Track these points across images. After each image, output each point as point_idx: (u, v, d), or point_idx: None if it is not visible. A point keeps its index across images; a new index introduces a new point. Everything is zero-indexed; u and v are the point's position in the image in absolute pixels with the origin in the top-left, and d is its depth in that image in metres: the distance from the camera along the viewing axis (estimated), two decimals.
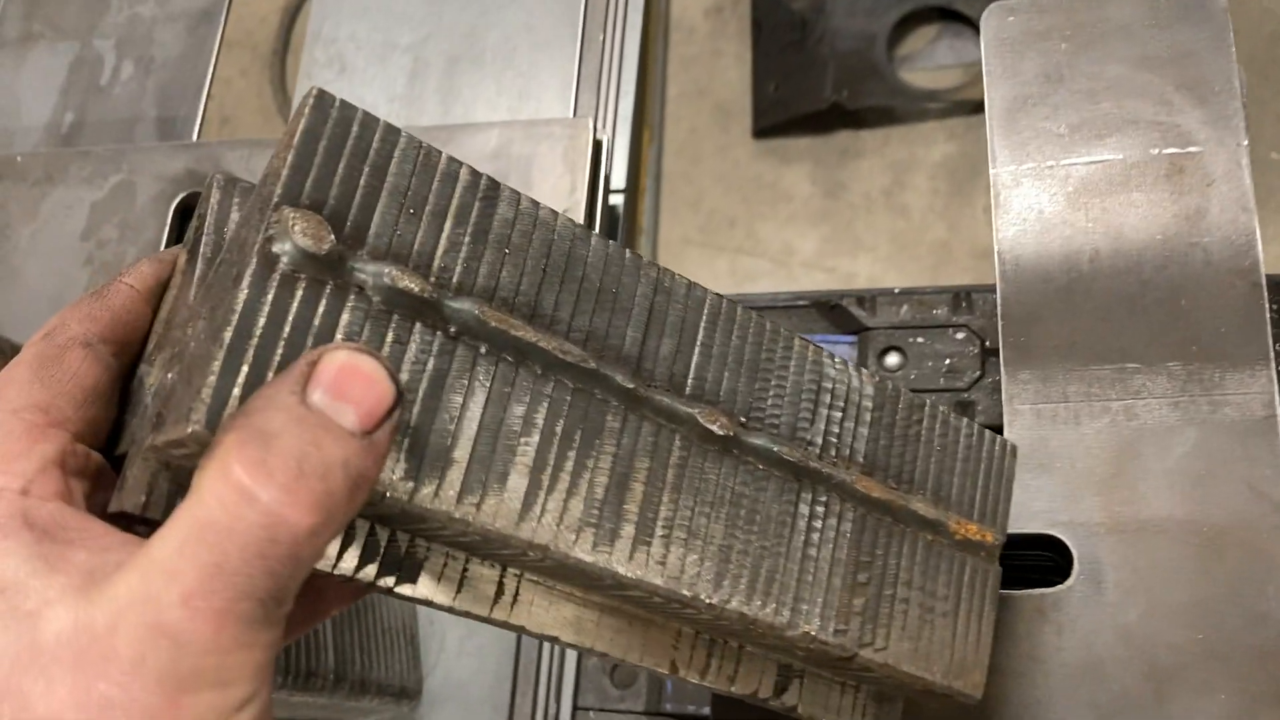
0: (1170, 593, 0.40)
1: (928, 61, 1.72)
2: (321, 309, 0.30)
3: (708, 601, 0.32)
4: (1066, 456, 0.43)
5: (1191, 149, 0.44)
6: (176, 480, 0.31)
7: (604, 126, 0.62)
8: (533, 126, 0.58)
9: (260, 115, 1.94)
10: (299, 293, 0.29)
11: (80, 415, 0.33)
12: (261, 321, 0.29)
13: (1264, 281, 0.42)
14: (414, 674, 0.54)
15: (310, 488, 0.27)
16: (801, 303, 0.60)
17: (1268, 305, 0.42)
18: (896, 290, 0.59)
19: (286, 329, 0.29)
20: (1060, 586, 0.41)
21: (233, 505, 0.26)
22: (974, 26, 1.71)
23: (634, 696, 0.55)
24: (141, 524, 0.31)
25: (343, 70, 0.69)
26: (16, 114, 0.74)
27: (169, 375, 0.32)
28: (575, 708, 0.54)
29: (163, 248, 0.61)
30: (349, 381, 0.28)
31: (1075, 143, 0.46)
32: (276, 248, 0.29)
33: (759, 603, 0.33)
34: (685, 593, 0.32)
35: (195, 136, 0.70)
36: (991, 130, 0.48)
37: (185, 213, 0.62)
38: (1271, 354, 0.42)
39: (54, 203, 0.64)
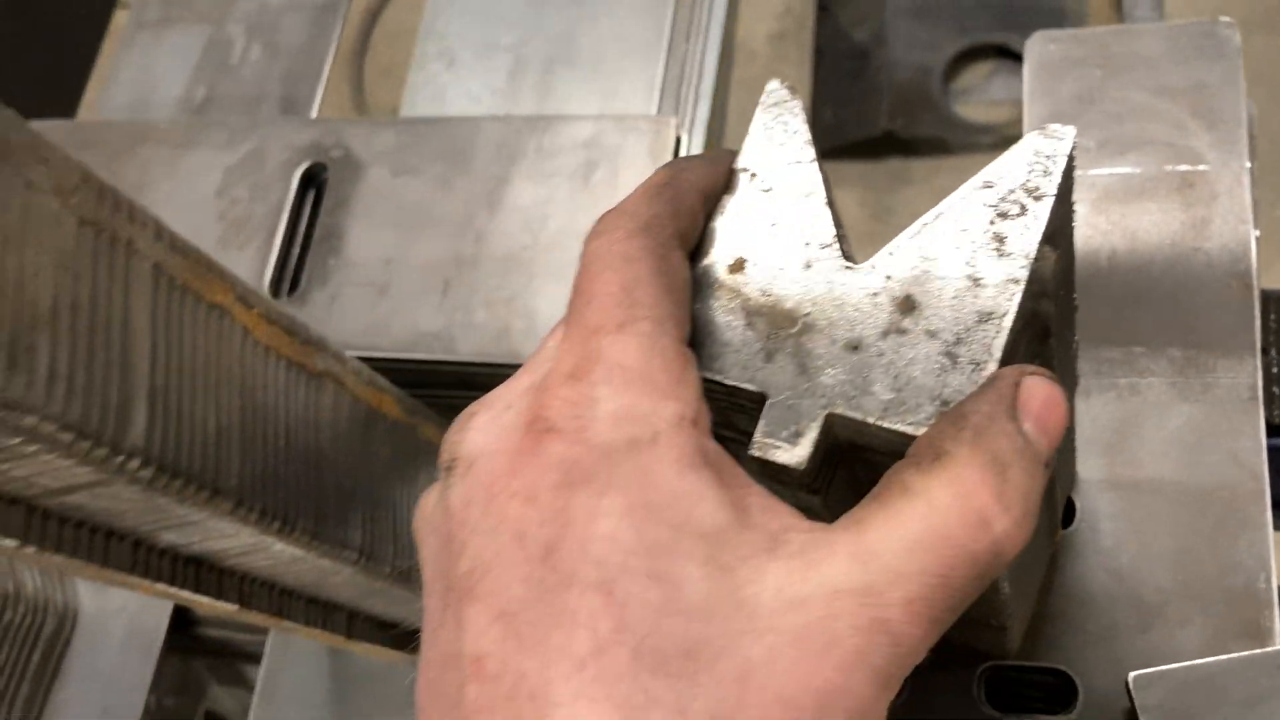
0: (1158, 541, 0.47)
1: (981, 96, 1.79)
2: None
3: None
4: (1076, 424, 0.50)
5: (1200, 167, 0.51)
6: (830, 444, 0.32)
7: (683, 127, 0.70)
8: (622, 120, 0.65)
9: (337, 111, 2.02)
10: None
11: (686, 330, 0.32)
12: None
13: (1255, 284, 0.49)
14: None
15: (1030, 524, 0.28)
16: None
17: (1257, 304, 0.48)
18: None
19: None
20: (1065, 531, 0.48)
21: (971, 528, 0.27)
22: None
23: None
24: (773, 478, 0.32)
25: (451, 63, 0.77)
26: (153, 87, 0.83)
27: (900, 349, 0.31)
28: None
29: (287, 209, 0.69)
30: (1049, 415, 0.29)
31: (1101, 156, 0.53)
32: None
33: None
34: None
35: (314, 115, 0.78)
36: None
37: (307, 179, 0.70)
38: (1258, 346, 0.48)
39: (191, 164, 0.72)
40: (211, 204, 0.70)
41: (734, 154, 0.36)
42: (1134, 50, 0.55)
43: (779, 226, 0.34)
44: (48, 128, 0.77)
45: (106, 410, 0.35)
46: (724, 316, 0.33)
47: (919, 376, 0.31)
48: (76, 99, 1.19)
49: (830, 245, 0.34)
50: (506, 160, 0.66)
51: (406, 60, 0.80)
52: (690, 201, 0.34)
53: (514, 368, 0.61)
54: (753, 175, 0.35)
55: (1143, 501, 0.48)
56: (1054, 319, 0.33)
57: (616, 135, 0.65)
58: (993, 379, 0.29)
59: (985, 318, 0.31)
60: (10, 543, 0.36)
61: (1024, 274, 0.31)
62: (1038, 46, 0.56)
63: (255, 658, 0.72)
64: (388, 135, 0.69)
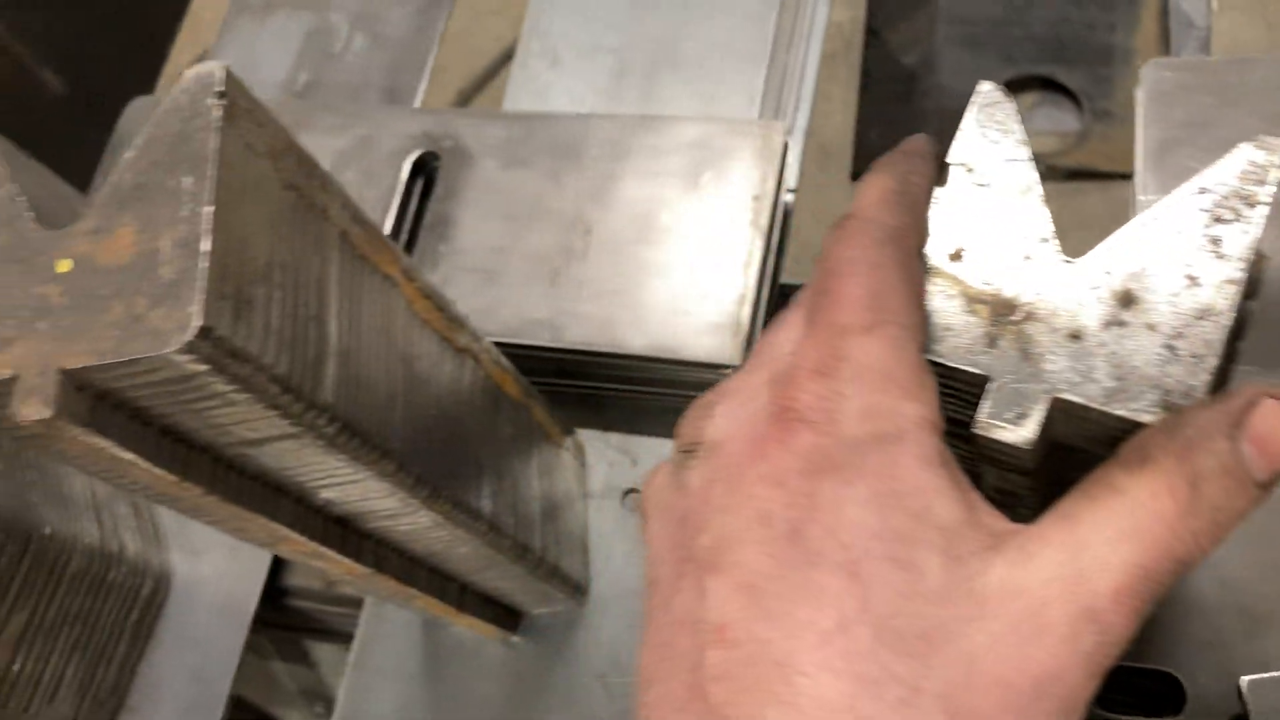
0: (1267, 552, 0.48)
1: (1026, 126, 1.80)
2: None
3: None
4: None
5: None
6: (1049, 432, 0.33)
7: (787, 133, 0.71)
8: (732, 124, 0.67)
9: None
10: None
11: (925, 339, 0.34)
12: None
13: None
14: (585, 574, 0.63)
15: (1218, 534, 0.29)
16: None
17: None
18: None
19: None
20: None
21: (1164, 526, 0.28)
22: (1073, 98, 1.80)
23: None
24: (990, 459, 0.34)
25: (555, 63, 0.79)
26: (255, 70, 0.85)
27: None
28: None
29: (398, 194, 0.70)
30: (1275, 440, 0.29)
31: None
32: None
33: None
34: None
35: (417, 105, 0.80)
36: (1142, 164, 0.57)
37: (417, 167, 0.71)
38: None
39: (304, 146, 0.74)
40: None
41: (933, 148, 0.38)
42: (1246, 80, 0.57)
43: (996, 220, 0.36)
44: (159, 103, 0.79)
45: (305, 366, 0.37)
46: (944, 303, 0.35)
47: (1140, 366, 0.33)
48: (155, 76, 1.20)
49: (1049, 240, 0.35)
50: (616, 157, 0.68)
51: (454, 62, 0.82)
52: (925, 210, 0.36)
53: (618, 358, 0.63)
54: (969, 169, 0.37)
55: (1255, 513, 0.49)
56: (1247, 321, 0.35)
57: (725, 138, 0.67)
58: (1230, 395, 0.30)
59: (1204, 314, 0.32)
60: (197, 489, 0.38)
61: (1241, 275, 0.33)
62: (1153, 73, 0.58)
63: (339, 634, 0.74)
64: (497, 128, 0.71)
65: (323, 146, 0.73)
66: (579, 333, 0.64)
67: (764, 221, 0.64)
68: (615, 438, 0.67)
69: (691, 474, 0.32)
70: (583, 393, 0.67)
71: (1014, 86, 1.83)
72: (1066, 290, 0.34)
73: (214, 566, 0.70)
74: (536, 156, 0.69)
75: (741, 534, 0.29)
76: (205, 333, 0.33)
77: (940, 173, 0.36)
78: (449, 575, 0.55)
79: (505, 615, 0.62)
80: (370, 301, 0.42)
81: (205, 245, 0.33)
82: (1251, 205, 0.34)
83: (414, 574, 0.51)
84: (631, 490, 0.66)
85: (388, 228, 0.70)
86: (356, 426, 0.40)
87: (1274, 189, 0.33)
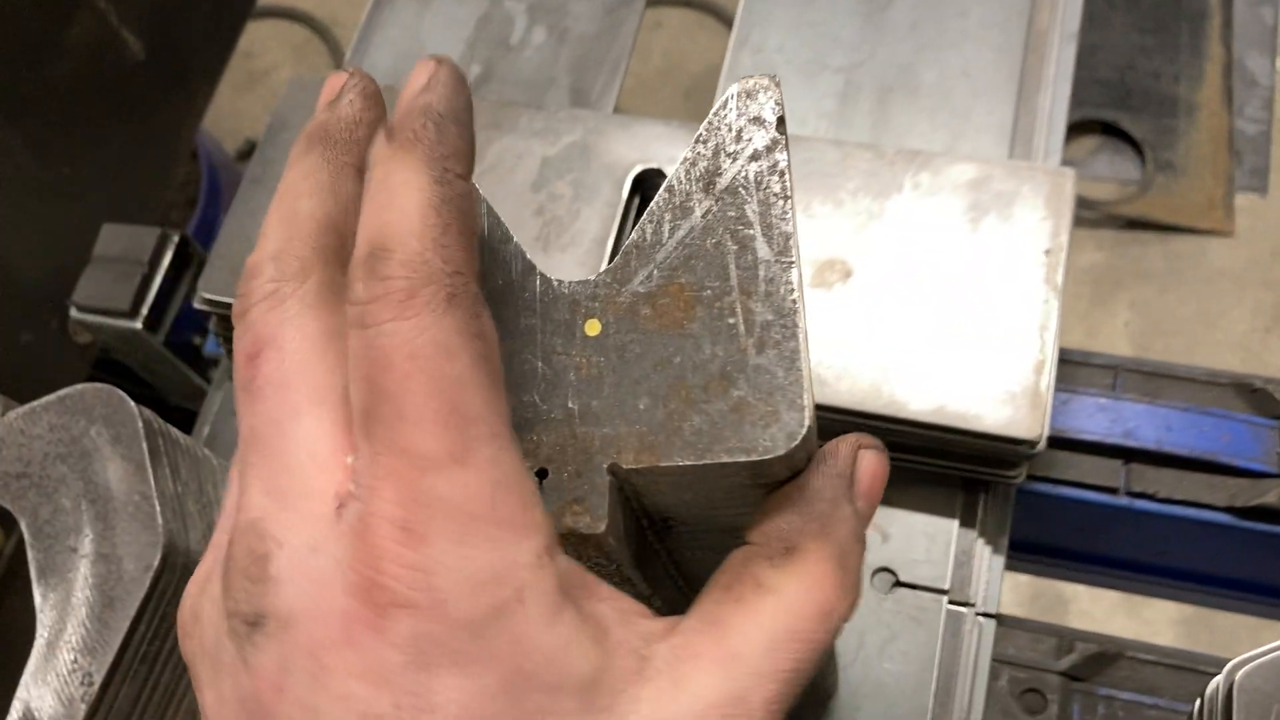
0: None
1: (1086, 171, 1.77)
2: None
3: None
4: None
5: None
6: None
7: None
8: (1015, 166, 0.60)
9: None
10: None
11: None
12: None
13: None
14: (834, 676, 0.55)
15: (860, 594, 0.29)
16: (1221, 380, 0.63)
17: None
18: None
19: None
20: None
21: (818, 621, 0.27)
22: (1134, 145, 1.77)
23: None
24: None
25: None
26: (418, 56, 0.76)
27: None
28: None
29: (619, 215, 0.63)
30: (877, 486, 0.30)
31: None
32: None
33: None
34: None
35: (610, 111, 0.72)
36: None
37: (637, 183, 0.64)
38: None
39: (503, 149, 0.65)
40: (528, 196, 0.64)
41: (464, 83, 0.30)
42: None
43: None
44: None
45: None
46: None
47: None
48: (230, 48, 1.11)
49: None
50: (879, 193, 0.61)
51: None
52: (472, 217, 0.27)
53: (894, 421, 0.56)
54: None
55: None
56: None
57: (1009, 181, 0.60)
58: (832, 451, 0.29)
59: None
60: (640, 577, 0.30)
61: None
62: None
63: None
64: None
65: (529, 151, 0.65)
66: (848, 390, 0.56)
67: (1059, 279, 0.58)
68: None
69: (261, 655, 0.25)
70: None
71: (1077, 130, 1.79)
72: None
73: None
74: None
75: None
76: (807, 433, 0.25)
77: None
78: None
79: None
80: None
81: (802, 323, 0.26)
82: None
83: None
84: (884, 569, 0.59)
85: (607, 250, 0.62)
86: None
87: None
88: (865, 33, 0.71)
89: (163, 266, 0.75)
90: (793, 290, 0.27)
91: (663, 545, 0.31)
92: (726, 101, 0.29)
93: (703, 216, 0.28)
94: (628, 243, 0.28)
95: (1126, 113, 1.77)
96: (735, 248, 0.27)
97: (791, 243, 0.28)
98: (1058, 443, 0.62)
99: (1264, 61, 1.80)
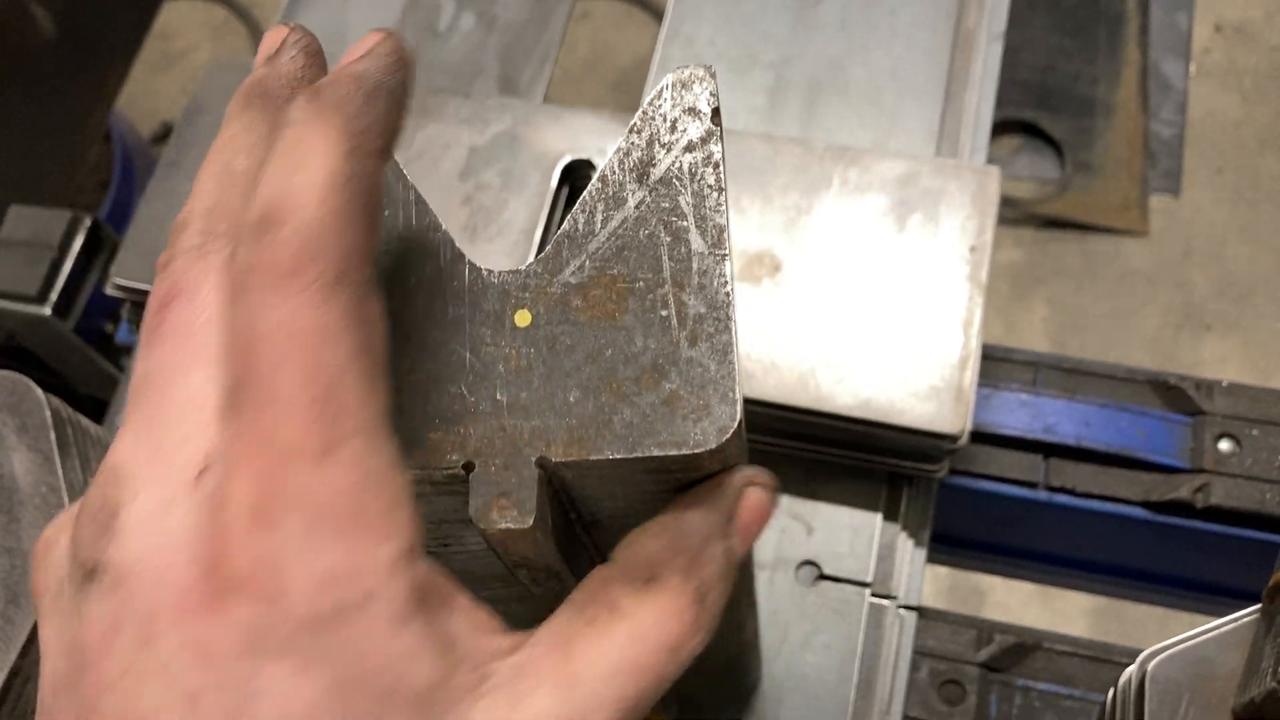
0: None
1: (1007, 170, 1.80)
2: None
3: None
4: None
5: None
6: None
7: None
8: (942, 164, 0.61)
9: None
10: None
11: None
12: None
13: None
14: (758, 668, 0.56)
15: (714, 626, 0.28)
16: (1138, 377, 0.64)
17: None
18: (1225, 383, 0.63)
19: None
20: None
21: (668, 653, 0.27)
22: (1054, 145, 1.81)
23: (962, 714, 0.57)
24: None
25: None
26: (343, 41, 0.74)
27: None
28: (905, 717, 0.56)
29: (546, 205, 0.62)
30: (757, 526, 0.29)
31: None
32: None
33: None
34: None
35: (539, 101, 0.71)
36: None
37: (566, 174, 0.63)
38: None
39: (430, 137, 0.64)
40: (455, 185, 0.63)
41: (407, 57, 0.29)
42: None
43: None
44: (243, 71, 0.69)
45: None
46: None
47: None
48: (146, 27, 1.08)
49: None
50: (808, 188, 0.61)
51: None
52: (378, 195, 0.26)
53: (819, 415, 0.56)
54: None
55: None
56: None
57: (935, 179, 0.60)
58: (720, 484, 0.28)
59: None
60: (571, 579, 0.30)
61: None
62: None
63: None
64: None
65: (457, 140, 0.64)
66: (775, 384, 0.57)
67: (983, 276, 0.59)
68: (788, 501, 0.60)
69: (94, 606, 0.25)
70: (754, 449, 0.60)
71: (998, 129, 1.82)
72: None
73: None
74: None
75: (159, 714, 0.23)
76: (738, 427, 0.25)
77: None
78: None
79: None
80: None
81: (734, 316, 0.26)
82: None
83: None
84: (808, 562, 0.59)
85: (535, 240, 0.61)
86: None
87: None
88: (796, 29, 0.71)
89: (73, 251, 0.73)
90: (726, 283, 0.27)
91: (590, 540, 0.31)
92: (661, 91, 0.29)
93: (636, 207, 0.28)
94: (559, 233, 0.28)
95: (1046, 113, 1.81)
96: (668, 239, 0.27)
97: (725, 235, 0.27)
98: (979, 437, 0.63)
99: (1178, 66, 1.85)
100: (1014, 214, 1.76)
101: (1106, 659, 0.59)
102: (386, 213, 0.29)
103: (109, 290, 0.63)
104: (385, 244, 0.28)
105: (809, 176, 0.61)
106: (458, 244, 0.29)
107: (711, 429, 0.25)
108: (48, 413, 0.47)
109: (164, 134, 1.91)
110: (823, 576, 0.59)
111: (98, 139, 1.14)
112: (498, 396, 0.26)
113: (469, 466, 0.26)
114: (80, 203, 1.31)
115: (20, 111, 0.93)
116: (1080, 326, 1.69)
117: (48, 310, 0.71)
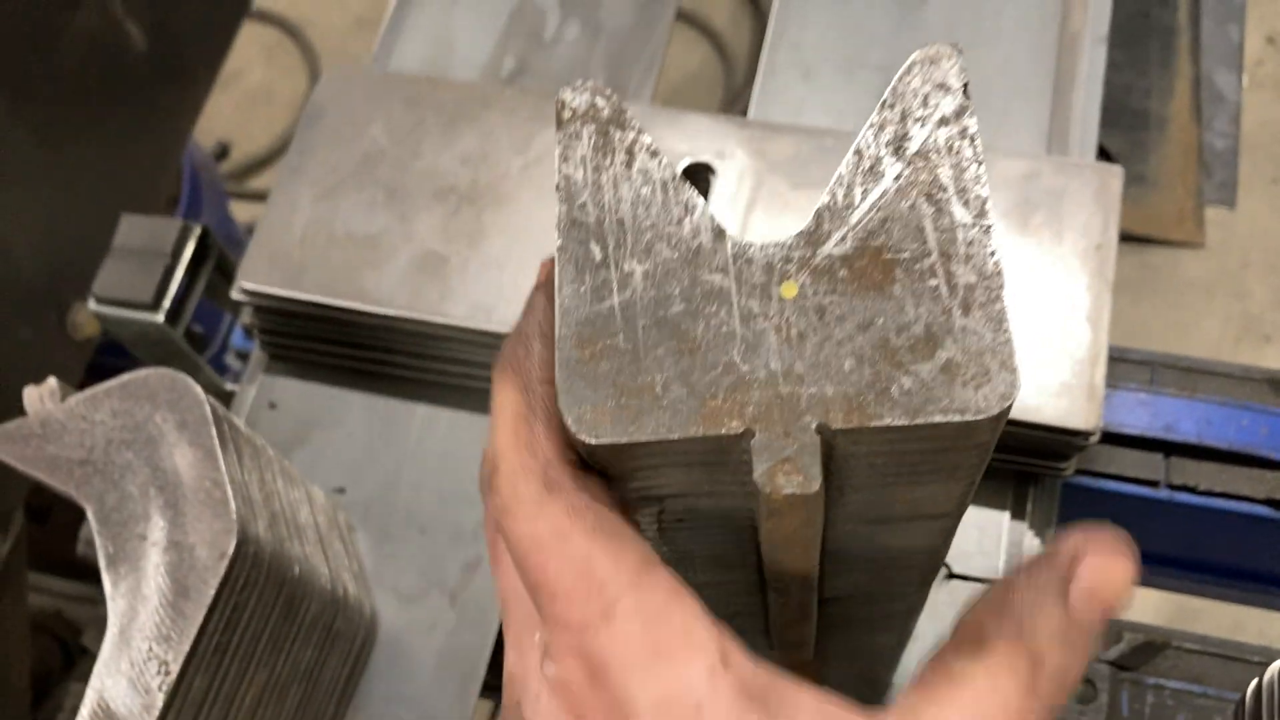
0: None
1: None
2: None
3: None
4: None
5: None
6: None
7: None
8: (1064, 163, 0.61)
9: None
10: None
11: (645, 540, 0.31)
12: None
13: None
14: None
15: (1064, 693, 0.28)
16: (1255, 375, 0.64)
17: None
18: None
19: None
20: None
21: (1014, 712, 0.27)
22: (1108, 158, 1.80)
23: (1094, 712, 0.57)
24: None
25: (806, 75, 0.71)
26: (451, 50, 0.76)
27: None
28: None
29: None
30: (1106, 591, 0.28)
31: None
32: None
33: None
34: None
35: (647, 105, 0.72)
36: None
37: (686, 177, 0.63)
38: None
39: (546, 142, 0.65)
40: None
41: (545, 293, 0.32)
42: None
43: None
44: (369, 75, 0.70)
45: None
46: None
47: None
48: (230, 40, 1.09)
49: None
50: None
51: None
52: (547, 393, 0.30)
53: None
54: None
55: None
56: None
57: (1058, 178, 0.61)
58: (1053, 550, 0.29)
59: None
60: None
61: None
62: None
63: None
64: (784, 143, 0.63)
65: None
66: None
67: (1109, 274, 0.59)
68: None
69: None
70: None
71: None
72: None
73: (430, 614, 0.60)
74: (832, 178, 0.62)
75: None
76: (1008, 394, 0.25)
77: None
78: None
79: None
80: None
81: (1005, 285, 0.26)
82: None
83: None
84: None
85: None
86: None
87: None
88: (900, 31, 0.72)
89: (184, 259, 0.74)
90: (994, 253, 0.27)
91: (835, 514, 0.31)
92: (911, 68, 0.29)
93: (895, 180, 0.28)
94: (818, 206, 0.28)
95: (1100, 127, 1.80)
96: (932, 211, 0.27)
97: (987, 206, 0.28)
98: (1100, 437, 0.63)
99: (1231, 77, 1.84)
100: None
101: (1238, 657, 0.58)
102: (645, 191, 0.29)
103: (234, 294, 0.64)
104: (643, 223, 0.29)
105: None
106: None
107: (994, 395, 0.26)
108: (207, 409, 0.48)
109: (222, 152, 1.93)
110: (953, 575, 0.59)
111: (184, 148, 1.15)
112: (771, 365, 0.26)
113: (749, 434, 0.26)
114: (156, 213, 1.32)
115: (114, 121, 0.94)
116: (1140, 339, 1.68)
117: (160, 318, 0.72)
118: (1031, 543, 0.60)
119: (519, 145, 0.65)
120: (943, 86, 0.29)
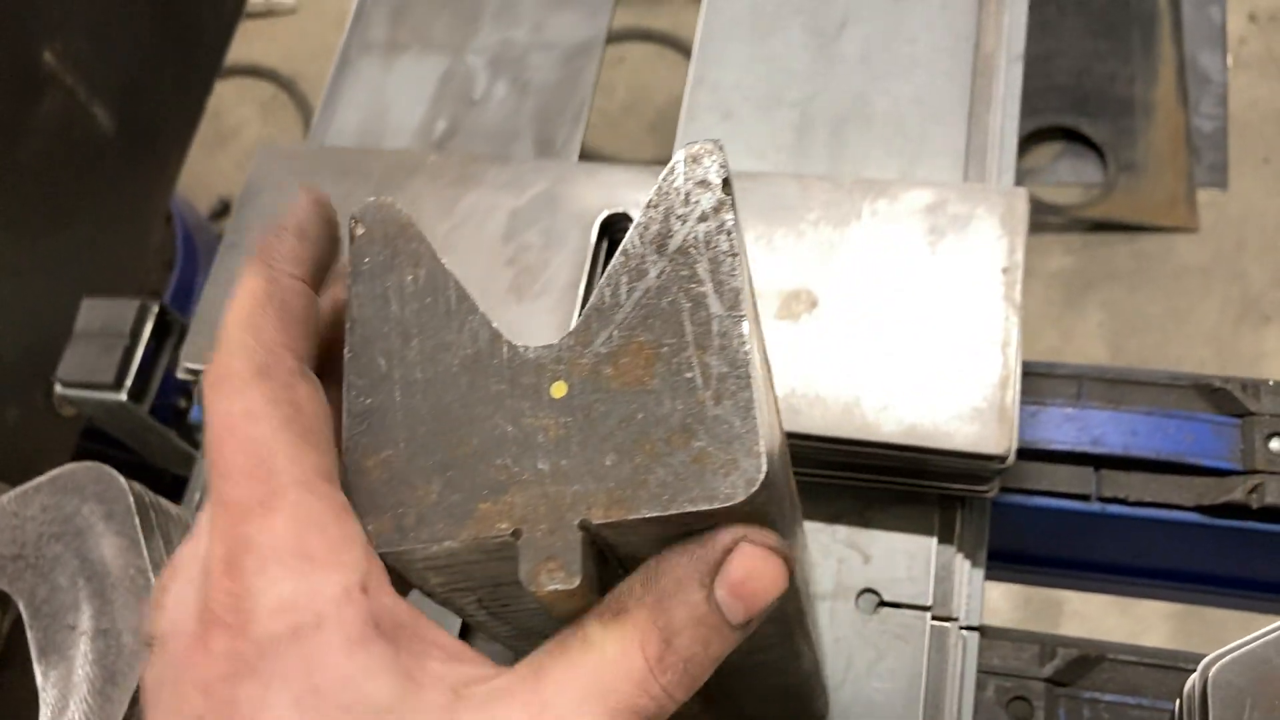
0: None
1: (1049, 177, 1.80)
2: None
3: None
4: None
5: None
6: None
7: None
8: (969, 189, 0.62)
9: None
10: None
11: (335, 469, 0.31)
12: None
13: None
14: (825, 697, 0.56)
15: (691, 682, 0.29)
16: (1182, 382, 0.64)
17: None
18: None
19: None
20: None
21: (632, 686, 0.28)
22: (1095, 148, 1.80)
23: None
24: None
25: (727, 116, 0.73)
26: (384, 115, 0.78)
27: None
28: None
29: (588, 259, 0.64)
30: (752, 584, 0.29)
31: None
32: None
33: None
34: None
35: (575, 159, 0.74)
36: None
37: (605, 228, 0.65)
38: None
39: (472, 204, 0.67)
40: (499, 248, 0.65)
41: (321, 209, 0.34)
42: None
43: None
44: (300, 151, 0.72)
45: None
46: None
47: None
48: (198, 116, 1.12)
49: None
50: (839, 222, 0.62)
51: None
52: (298, 305, 0.32)
53: (866, 445, 0.57)
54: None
55: None
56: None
57: (964, 204, 0.62)
58: (709, 538, 0.29)
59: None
60: None
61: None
62: None
63: None
64: None
65: (497, 204, 0.66)
66: (820, 417, 0.58)
67: (1017, 296, 0.60)
68: (843, 531, 0.62)
69: (150, 671, 0.31)
70: (807, 481, 0.61)
71: (1038, 136, 1.82)
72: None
73: None
74: (747, 220, 0.63)
75: None
76: (765, 478, 0.27)
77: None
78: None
79: None
80: None
81: (755, 373, 0.27)
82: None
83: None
84: (867, 590, 0.60)
85: (579, 295, 0.63)
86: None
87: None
88: (818, 65, 0.73)
89: (144, 338, 0.76)
90: (745, 342, 0.29)
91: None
92: (674, 167, 0.31)
93: (657, 277, 0.30)
94: (588, 306, 0.30)
95: (1085, 117, 1.80)
96: (689, 305, 0.29)
97: (741, 297, 0.29)
98: (1028, 454, 0.63)
99: (1215, 58, 1.84)
100: (1060, 220, 1.76)
101: (1173, 666, 0.59)
102: (428, 300, 0.31)
103: (180, 374, 0.66)
104: (426, 332, 0.30)
105: (839, 210, 0.63)
106: (504, 304, 0.31)
107: (740, 482, 0.27)
108: (130, 499, 0.50)
109: (222, 210, 1.97)
110: (883, 603, 0.60)
111: (161, 223, 1.19)
112: (539, 465, 0.28)
113: (517, 534, 0.28)
114: (148, 284, 1.36)
115: (86, 205, 0.98)
116: (1137, 328, 1.67)
117: (123, 396, 0.75)
118: (962, 565, 0.60)
119: (444, 210, 0.67)
120: (704, 184, 0.30)
